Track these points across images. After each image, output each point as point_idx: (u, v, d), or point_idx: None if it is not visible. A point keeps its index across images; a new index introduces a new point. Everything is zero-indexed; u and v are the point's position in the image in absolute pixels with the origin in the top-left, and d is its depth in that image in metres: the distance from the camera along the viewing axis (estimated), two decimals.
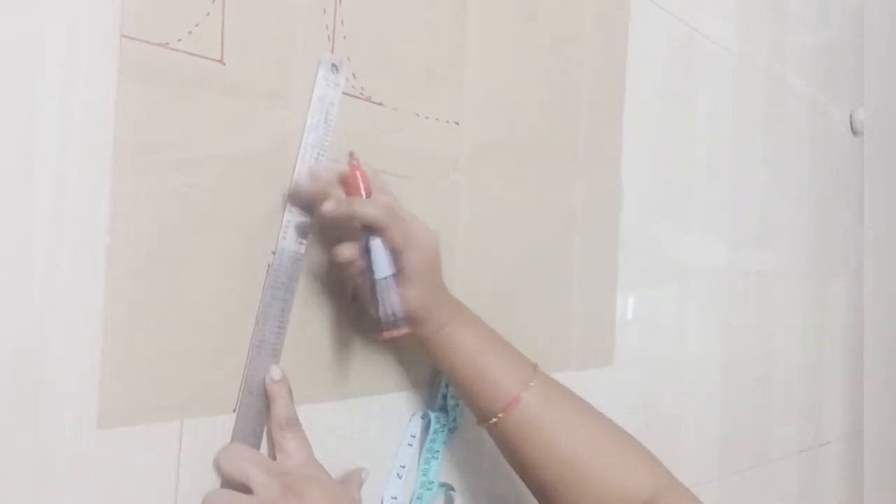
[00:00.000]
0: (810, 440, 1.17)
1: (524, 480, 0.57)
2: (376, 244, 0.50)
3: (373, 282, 0.50)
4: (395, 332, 0.50)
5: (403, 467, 0.58)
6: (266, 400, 0.49)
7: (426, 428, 0.60)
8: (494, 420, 0.54)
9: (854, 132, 1.27)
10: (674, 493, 0.55)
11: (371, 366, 0.56)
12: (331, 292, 0.53)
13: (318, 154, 0.53)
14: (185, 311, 0.46)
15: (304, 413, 0.51)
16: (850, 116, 1.27)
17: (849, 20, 1.25)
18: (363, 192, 0.50)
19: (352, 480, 0.53)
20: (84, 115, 0.41)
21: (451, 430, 0.61)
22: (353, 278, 0.52)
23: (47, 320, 0.40)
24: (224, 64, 0.47)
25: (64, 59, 0.40)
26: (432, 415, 0.59)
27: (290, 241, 0.51)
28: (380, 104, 0.56)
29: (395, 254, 0.50)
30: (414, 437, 0.59)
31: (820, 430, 1.20)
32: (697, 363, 0.92)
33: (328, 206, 0.48)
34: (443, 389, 0.61)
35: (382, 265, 0.50)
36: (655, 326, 0.86)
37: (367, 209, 0.48)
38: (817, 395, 1.20)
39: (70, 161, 0.40)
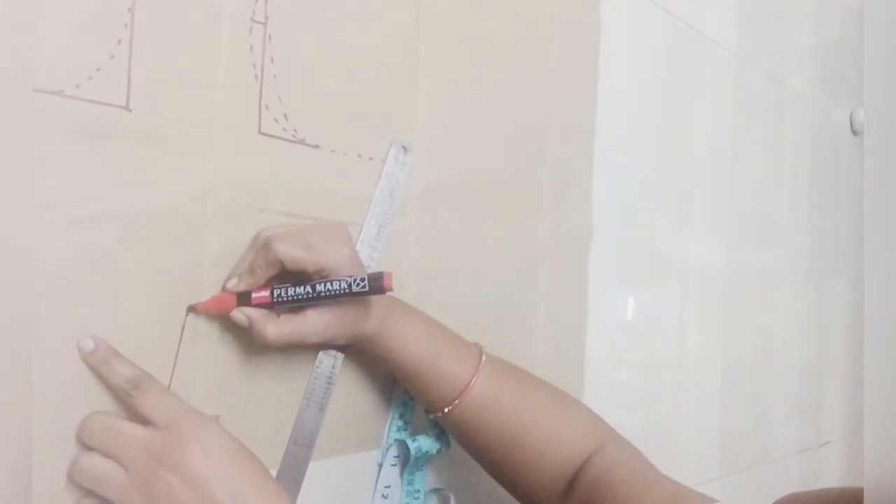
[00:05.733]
0: (810, 440, 1.17)
1: (483, 465, 0.57)
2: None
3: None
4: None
5: (388, 487, 0.57)
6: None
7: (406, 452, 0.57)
8: (448, 409, 0.54)
9: (854, 132, 1.27)
10: (615, 443, 0.56)
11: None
12: None
13: (381, 226, 0.55)
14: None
15: None
16: (850, 116, 1.26)
17: (849, 20, 1.25)
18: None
19: None
20: None
21: (439, 451, 0.59)
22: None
23: None
24: (130, 111, 0.43)
25: None
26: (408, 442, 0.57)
27: None
28: (315, 146, 0.53)
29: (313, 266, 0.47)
30: (397, 457, 0.58)
31: (820, 430, 1.20)
32: (697, 363, 0.92)
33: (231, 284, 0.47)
34: (395, 421, 0.59)
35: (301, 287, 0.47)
36: (655, 326, 0.86)
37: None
38: (817, 395, 1.20)
39: None
